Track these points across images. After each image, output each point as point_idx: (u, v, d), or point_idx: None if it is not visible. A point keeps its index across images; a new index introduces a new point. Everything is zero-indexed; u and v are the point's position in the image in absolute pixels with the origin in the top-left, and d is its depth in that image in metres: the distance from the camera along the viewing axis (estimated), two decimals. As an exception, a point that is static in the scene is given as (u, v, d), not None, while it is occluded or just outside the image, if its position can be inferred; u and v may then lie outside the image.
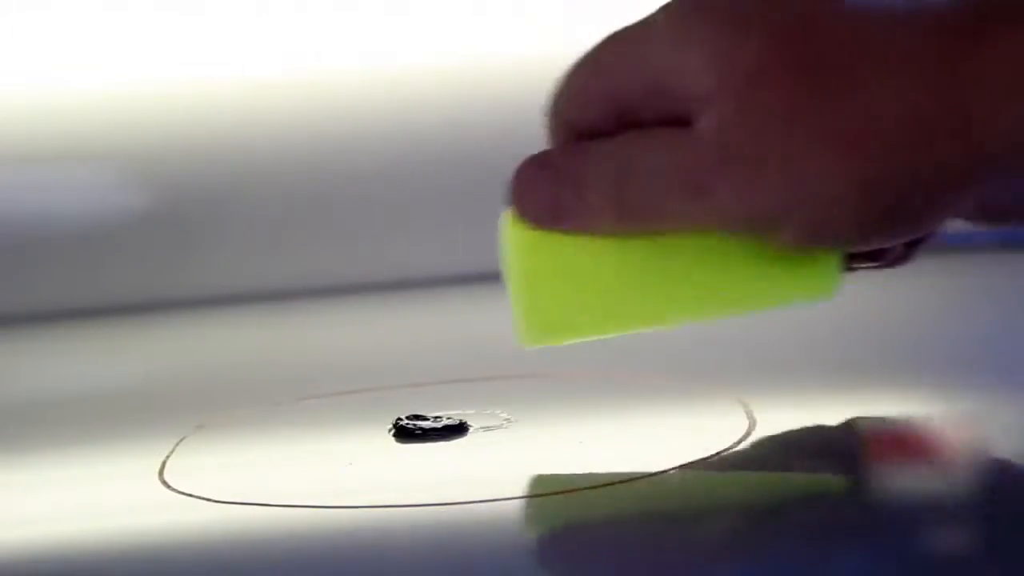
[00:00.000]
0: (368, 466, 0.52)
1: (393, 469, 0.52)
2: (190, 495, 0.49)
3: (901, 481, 0.47)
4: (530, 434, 0.54)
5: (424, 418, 0.54)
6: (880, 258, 0.48)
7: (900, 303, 0.73)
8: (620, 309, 0.47)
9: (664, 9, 0.45)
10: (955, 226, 0.47)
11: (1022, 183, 0.45)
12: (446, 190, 0.90)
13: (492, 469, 0.51)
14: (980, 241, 0.83)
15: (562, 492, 0.47)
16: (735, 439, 0.50)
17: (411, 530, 0.45)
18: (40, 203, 0.89)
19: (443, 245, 0.90)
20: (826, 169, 0.43)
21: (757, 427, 0.51)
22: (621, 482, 0.47)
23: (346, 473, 0.52)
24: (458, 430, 0.53)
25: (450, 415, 0.54)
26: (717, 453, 0.49)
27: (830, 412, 0.54)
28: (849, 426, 0.53)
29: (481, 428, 0.53)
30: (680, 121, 0.44)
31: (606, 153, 0.46)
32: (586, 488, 0.47)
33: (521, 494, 0.48)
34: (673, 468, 0.48)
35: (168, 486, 0.50)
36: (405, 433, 0.53)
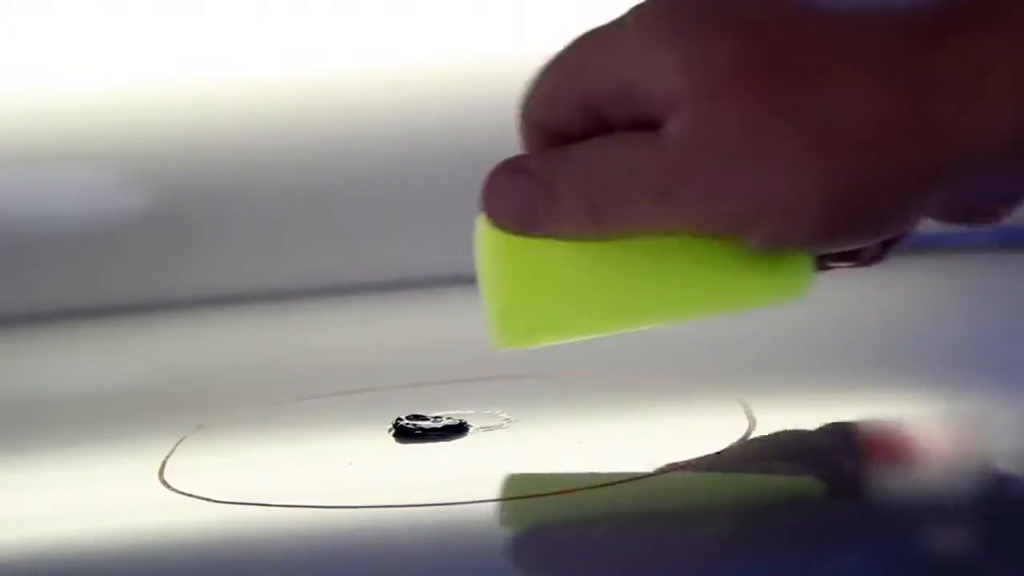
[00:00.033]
0: (368, 466, 0.52)
1: (393, 469, 0.52)
2: (190, 495, 0.49)
3: (901, 481, 0.47)
4: (530, 434, 0.54)
5: (424, 418, 0.54)
6: (855, 257, 0.48)
7: (900, 303, 0.73)
8: (593, 312, 0.47)
9: (635, 10, 0.44)
10: (928, 226, 0.47)
11: (990, 183, 0.45)
12: (446, 190, 0.89)
13: (492, 469, 0.51)
14: (979, 241, 0.83)
15: (562, 492, 0.47)
16: (735, 439, 0.50)
17: (411, 530, 0.45)
18: (40, 203, 0.89)
19: (443, 245, 0.90)
20: (792, 173, 0.43)
21: (757, 427, 0.51)
22: (621, 482, 0.47)
23: (346, 473, 0.52)
24: (458, 430, 0.53)
25: (450, 415, 0.54)
26: (717, 453, 0.49)
27: (830, 412, 0.54)
28: (849, 426, 0.53)
29: (481, 428, 0.53)
30: (650, 124, 0.44)
31: (577, 158, 0.45)
32: (586, 488, 0.47)
33: (521, 494, 0.48)
34: (673, 468, 0.48)
35: (168, 486, 0.50)
36: (405, 433, 0.53)
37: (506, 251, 0.47)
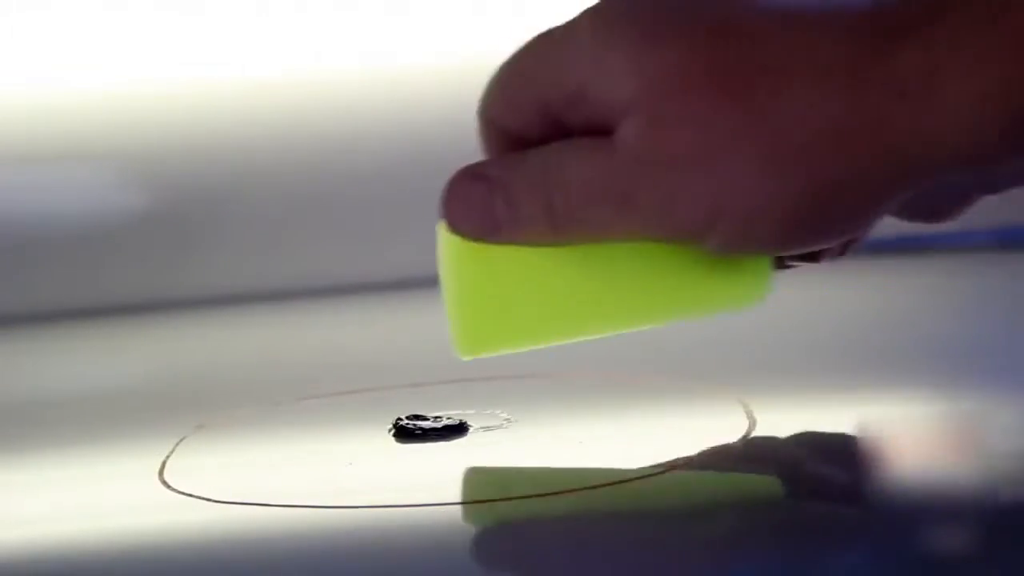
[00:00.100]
0: (368, 466, 0.52)
1: (393, 469, 0.52)
2: (190, 495, 0.49)
3: (900, 481, 0.47)
4: (530, 434, 0.54)
5: (424, 418, 0.54)
6: (815, 257, 0.47)
7: (900, 303, 0.73)
8: (554, 318, 0.47)
9: (588, 11, 0.44)
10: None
11: (948, 183, 0.44)
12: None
13: (492, 469, 0.51)
14: (979, 241, 0.83)
15: (562, 492, 0.47)
16: (735, 439, 0.50)
17: (411, 530, 0.45)
18: (40, 203, 0.89)
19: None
20: (748, 177, 0.42)
21: (757, 427, 0.51)
22: (621, 482, 0.47)
23: (346, 473, 0.52)
24: (458, 430, 0.53)
25: (450, 415, 0.54)
26: (717, 453, 0.49)
27: (830, 412, 0.54)
28: (849, 426, 0.53)
29: (481, 428, 0.53)
30: (605, 127, 0.43)
31: (535, 164, 0.45)
32: (586, 488, 0.47)
33: (521, 494, 0.48)
34: (673, 468, 0.48)
35: (168, 486, 0.50)
36: (405, 433, 0.53)
37: (467, 258, 0.46)
